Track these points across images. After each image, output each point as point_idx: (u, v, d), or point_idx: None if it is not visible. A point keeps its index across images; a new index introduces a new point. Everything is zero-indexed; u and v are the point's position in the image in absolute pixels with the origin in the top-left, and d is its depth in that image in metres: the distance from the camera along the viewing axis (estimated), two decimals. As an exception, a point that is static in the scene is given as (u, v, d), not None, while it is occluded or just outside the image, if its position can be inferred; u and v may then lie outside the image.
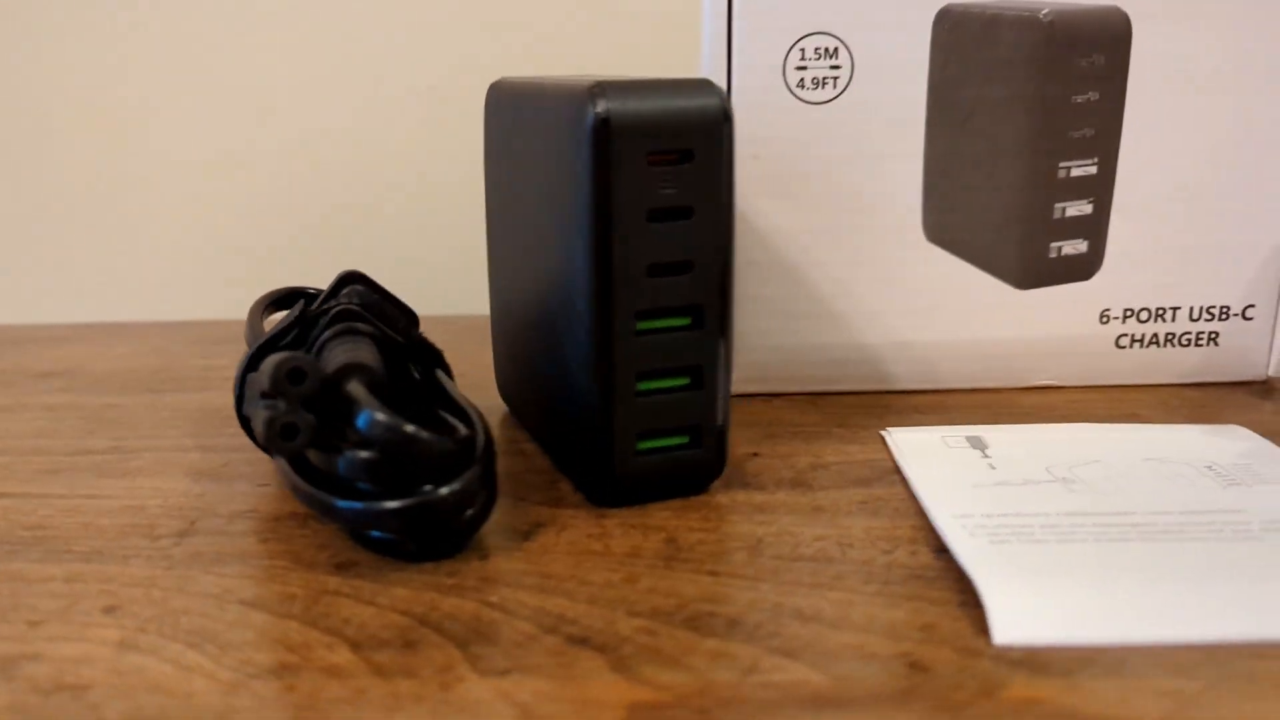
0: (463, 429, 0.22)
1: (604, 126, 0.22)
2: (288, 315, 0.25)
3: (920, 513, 0.23)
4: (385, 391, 0.22)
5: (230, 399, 0.31)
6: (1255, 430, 0.27)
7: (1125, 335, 0.31)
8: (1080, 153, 0.29)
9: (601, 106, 0.22)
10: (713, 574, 0.21)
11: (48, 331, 0.41)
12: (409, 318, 0.27)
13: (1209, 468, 0.25)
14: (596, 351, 0.23)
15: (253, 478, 0.26)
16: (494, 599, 0.20)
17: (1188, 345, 0.31)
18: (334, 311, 0.25)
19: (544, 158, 0.24)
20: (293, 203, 0.46)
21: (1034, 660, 0.18)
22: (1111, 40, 0.28)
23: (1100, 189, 0.29)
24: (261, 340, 0.25)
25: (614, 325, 0.23)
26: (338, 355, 0.23)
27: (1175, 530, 0.21)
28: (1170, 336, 0.31)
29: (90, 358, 0.37)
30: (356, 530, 0.22)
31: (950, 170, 0.29)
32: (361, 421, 0.21)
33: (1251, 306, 0.30)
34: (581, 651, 0.18)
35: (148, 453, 0.28)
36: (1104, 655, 0.18)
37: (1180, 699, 0.17)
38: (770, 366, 0.31)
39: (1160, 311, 0.30)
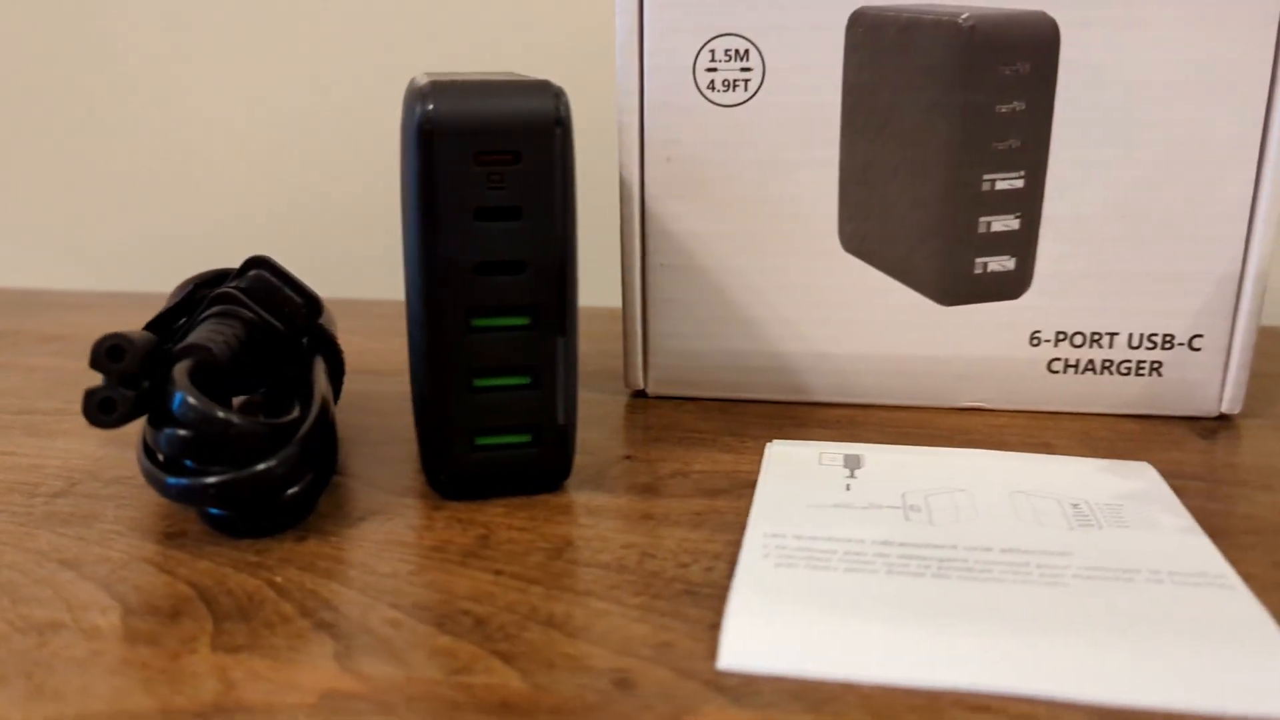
0: (295, 413, 0.23)
1: (428, 126, 0.22)
2: (178, 292, 0.27)
3: (745, 528, 0.23)
4: (221, 374, 0.23)
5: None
6: (1176, 470, 0.25)
7: (1058, 360, 0.29)
8: (1005, 165, 0.27)
9: (429, 106, 0.22)
10: (497, 574, 0.21)
11: (78, 299, 0.45)
12: (310, 305, 0.28)
13: (1074, 506, 0.23)
14: (429, 347, 0.23)
15: (154, 447, 0.28)
16: (279, 579, 0.21)
17: (1128, 374, 0.29)
18: (215, 295, 0.26)
19: (402, 157, 0.25)
20: (311, 184, 0.48)
21: (745, 688, 0.17)
22: (1038, 47, 0.27)
23: (1028, 204, 0.28)
24: (152, 318, 0.26)
25: (444, 321, 0.23)
26: (191, 336, 0.24)
27: (979, 569, 0.20)
28: (1108, 364, 0.29)
29: (98, 326, 0.40)
30: (187, 504, 0.23)
31: (867, 179, 0.28)
32: (174, 403, 0.22)
33: (1199, 336, 0.28)
34: (319, 637, 0.19)
35: (56, 417, 0.30)
36: (815, 690, 0.17)
37: (864, 744, 0.16)
38: (684, 371, 0.31)
39: (1096, 337, 0.28)
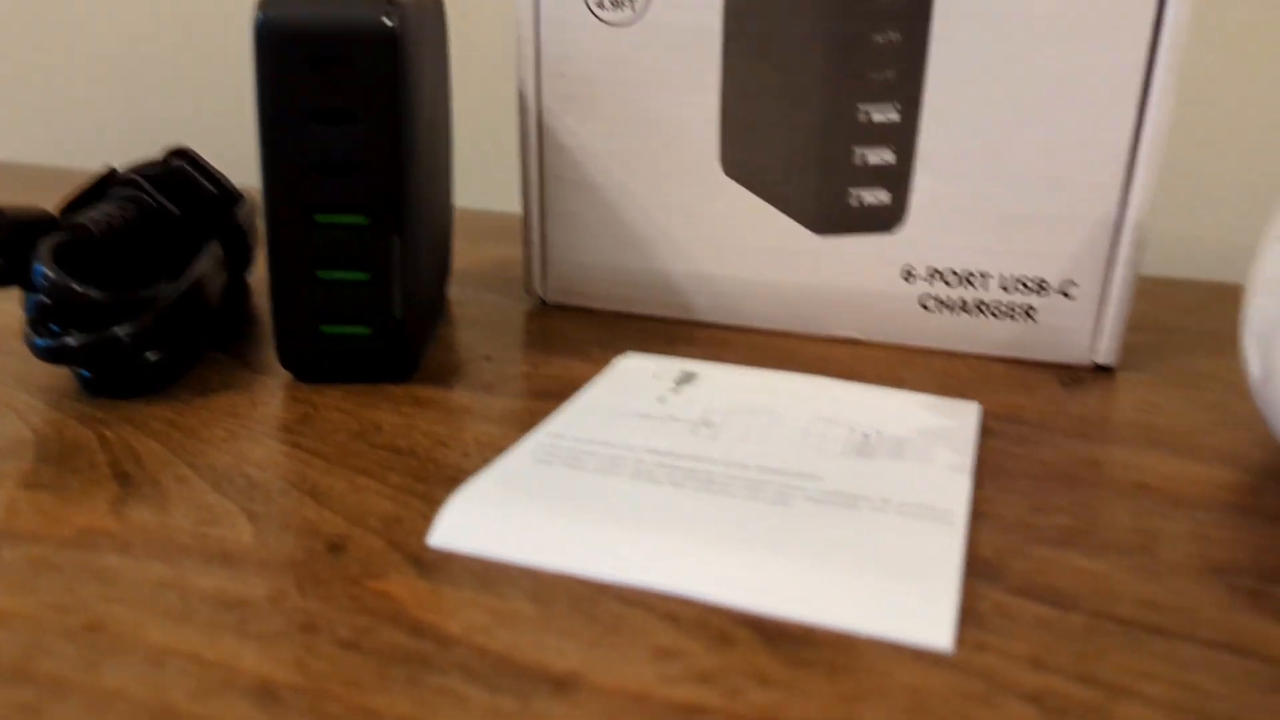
0: (159, 289, 0.25)
1: (263, 30, 0.23)
2: (96, 175, 0.29)
3: (545, 429, 0.24)
4: (97, 251, 0.26)
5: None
6: (1009, 413, 0.25)
7: (931, 297, 0.29)
8: (880, 96, 0.27)
9: (268, 13, 0.24)
10: (294, 445, 0.23)
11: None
12: (224, 197, 0.31)
13: (864, 436, 0.23)
14: (276, 240, 0.25)
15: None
16: (109, 434, 0.23)
17: (1000, 317, 0.28)
18: (121, 178, 0.29)
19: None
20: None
21: (438, 563, 0.19)
22: (914, -20, 0.26)
23: (902, 137, 0.28)
24: (68, 199, 0.29)
25: (288, 216, 0.25)
26: (78, 216, 0.27)
27: (719, 482, 0.21)
28: (981, 305, 0.28)
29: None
30: (51, 362, 0.26)
31: (746, 106, 0.28)
32: (34, 273, 0.24)
33: (1073, 284, 0.27)
34: (109, 485, 0.21)
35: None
36: (494, 570, 0.19)
37: (503, 618, 0.17)
38: (580, 282, 0.32)
39: (969, 276, 0.28)
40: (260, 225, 0.40)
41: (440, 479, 0.22)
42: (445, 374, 0.27)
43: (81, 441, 0.23)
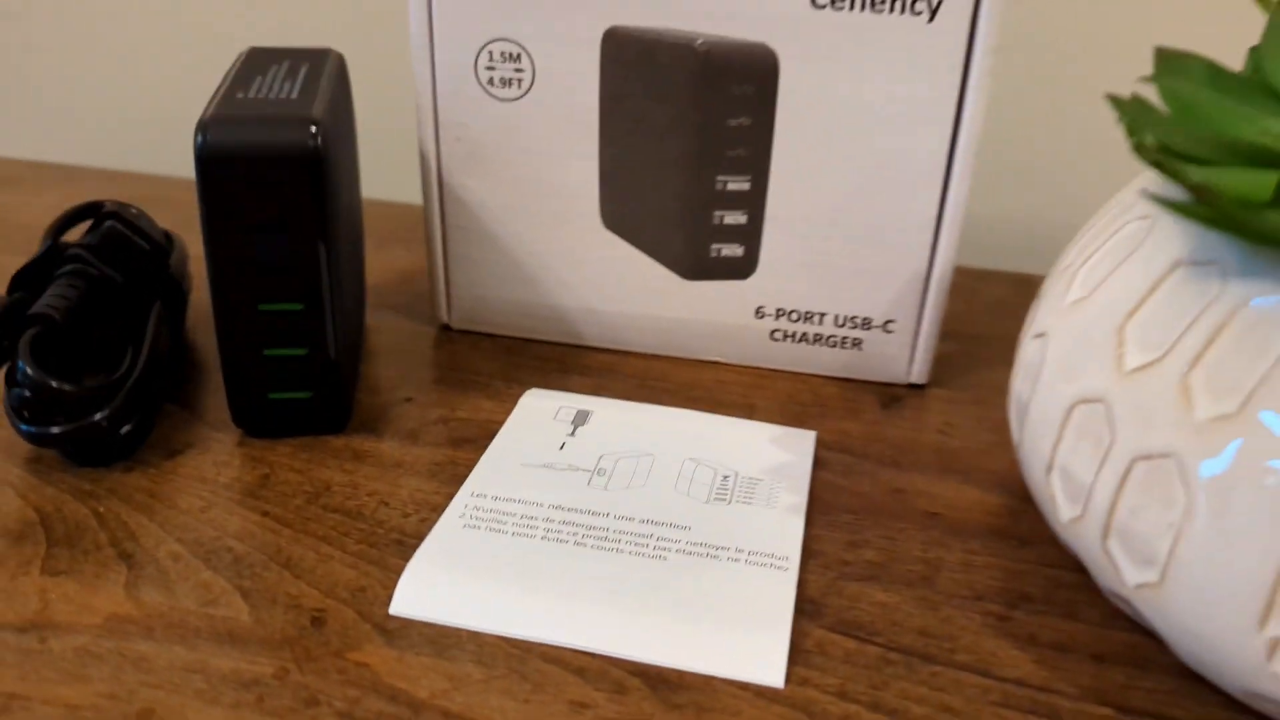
0: (125, 366, 0.29)
1: (203, 153, 0.27)
2: (46, 236, 0.33)
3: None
4: (63, 334, 0.30)
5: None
6: (838, 440, 0.32)
7: (779, 330, 0.35)
8: (735, 168, 0.32)
9: (204, 136, 0.27)
10: (264, 514, 0.28)
11: (6, 169, 0.50)
12: (156, 252, 0.34)
13: (725, 478, 0.30)
14: (225, 325, 0.29)
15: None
16: (102, 509, 0.28)
17: (834, 346, 0.35)
18: (67, 253, 0.32)
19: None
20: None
21: (400, 630, 0.24)
22: (760, 72, 0.31)
23: (753, 203, 0.33)
24: (16, 270, 0.32)
25: (231, 304, 0.29)
26: (40, 301, 0.30)
27: (611, 539, 0.27)
28: (818, 337, 0.34)
29: (19, 208, 0.46)
30: (36, 445, 0.30)
31: (622, 172, 0.33)
32: (17, 371, 0.28)
33: (892, 322, 0.34)
34: (117, 566, 0.26)
35: (-15, 323, 0.37)
36: (446, 636, 0.24)
37: (457, 681, 0.23)
38: (480, 313, 0.37)
39: (808, 315, 0.34)
40: (194, 271, 0.43)
41: (389, 543, 0.27)
42: (374, 420, 0.32)
43: (81, 520, 0.28)
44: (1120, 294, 0.24)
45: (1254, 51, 0.26)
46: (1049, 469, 0.25)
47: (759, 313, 0.35)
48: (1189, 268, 0.23)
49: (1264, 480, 0.20)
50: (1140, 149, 0.23)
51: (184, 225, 0.41)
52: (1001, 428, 0.33)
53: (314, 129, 0.28)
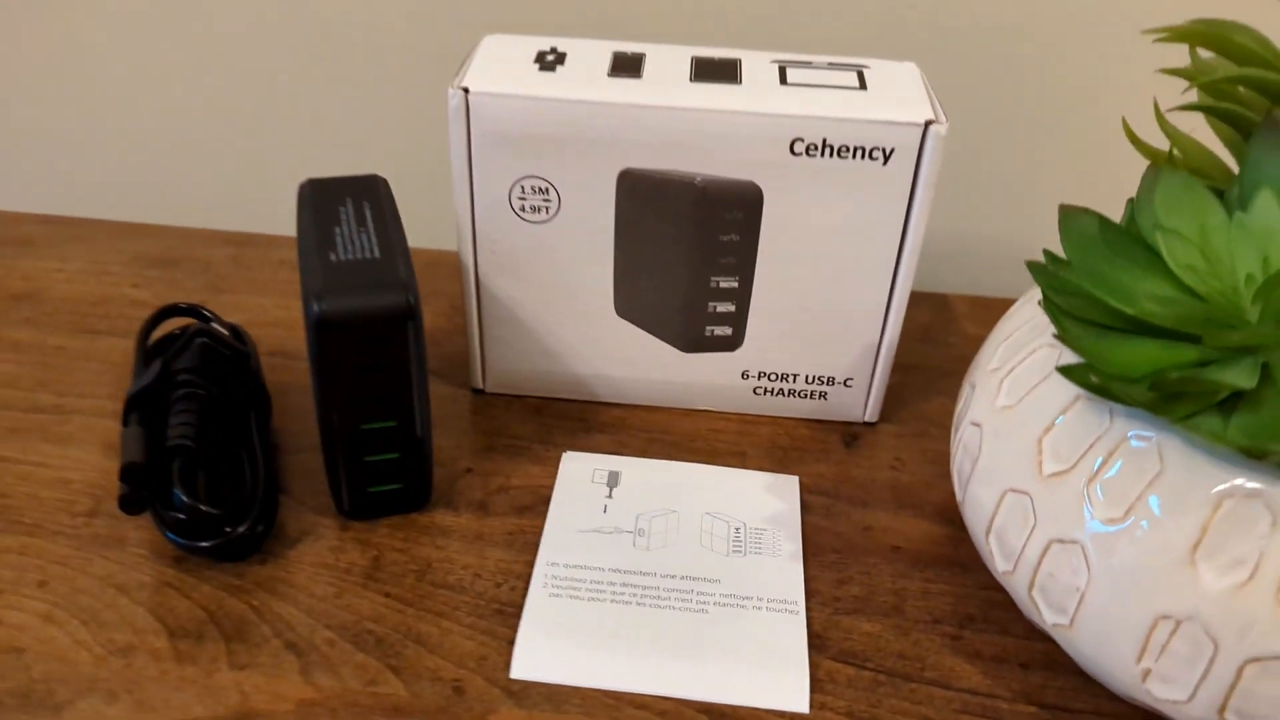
0: (249, 481, 0.36)
1: (318, 320, 0.33)
2: (150, 371, 0.38)
3: (538, 549, 0.37)
4: (197, 460, 0.36)
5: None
6: (814, 483, 0.41)
7: (760, 387, 0.43)
8: (726, 272, 0.40)
9: (319, 306, 0.33)
10: (385, 595, 0.36)
11: (16, 228, 0.54)
12: (240, 358, 0.40)
13: (737, 530, 0.38)
14: (333, 440, 0.36)
15: (142, 455, 0.40)
16: (255, 603, 0.35)
17: (805, 398, 0.43)
18: (180, 379, 0.38)
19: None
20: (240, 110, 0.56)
21: (523, 692, 0.33)
22: (748, 202, 0.38)
23: (741, 296, 0.40)
24: (132, 391, 0.38)
25: (338, 426, 0.36)
26: (173, 428, 0.36)
27: (663, 596, 0.36)
28: (792, 391, 0.43)
29: (51, 277, 0.50)
30: (188, 554, 0.37)
31: (633, 274, 0.40)
32: (174, 500, 0.35)
33: (851, 379, 0.42)
34: (289, 655, 0.34)
35: (78, 415, 0.42)
36: (557, 693, 0.33)
37: (578, 732, 0.32)
38: (511, 379, 0.44)
39: (784, 375, 0.42)
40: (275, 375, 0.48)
41: (491, 613, 0.35)
42: (448, 493, 0.40)
43: (242, 615, 0.35)
44: (1038, 412, 0.33)
45: (1130, 204, 0.34)
46: (988, 533, 0.34)
47: (744, 375, 0.43)
48: (1086, 400, 0.32)
49: (1140, 566, 0.29)
50: (1048, 309, 0.32)
51: (213, 290, 0.46)
52: (940, 459, 0.42)
53: (407, 293, 0.34)
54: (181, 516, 0.35)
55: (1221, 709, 0.29)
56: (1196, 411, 0.28)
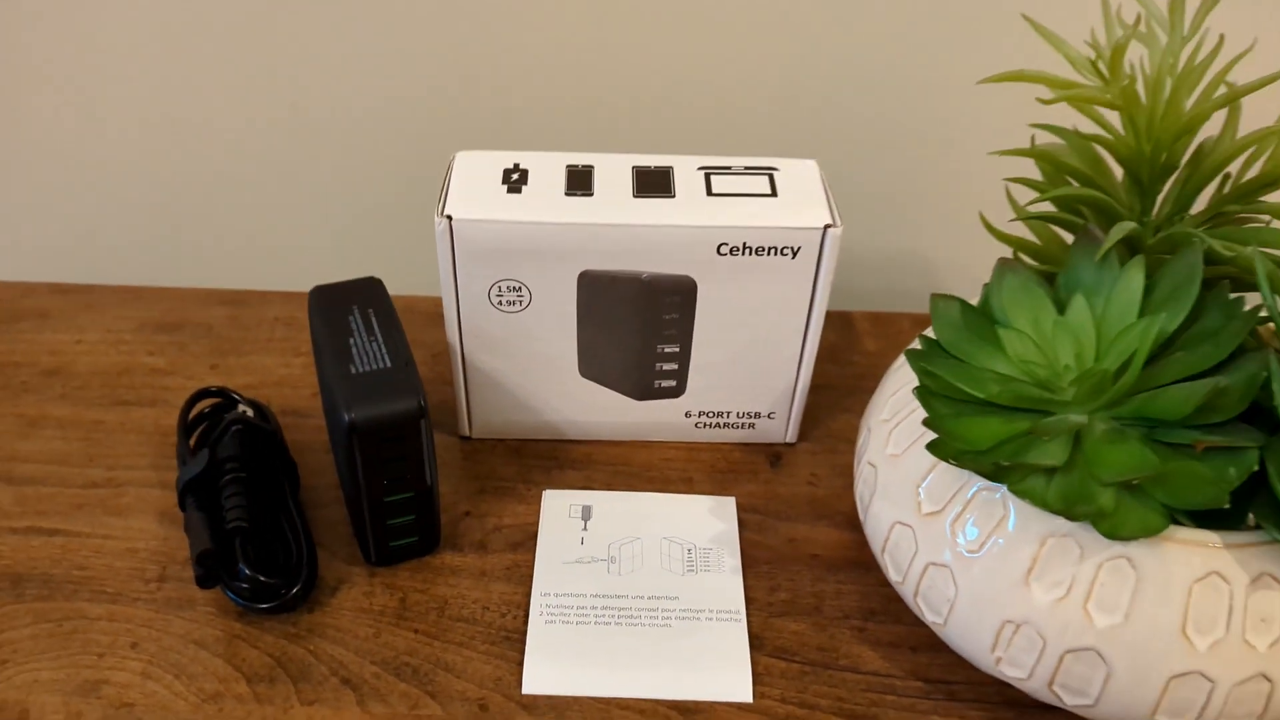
0: (294, 549, 0.45)
1: (350, 427, 0.41)
2: (199, 460, 0.46)
3: (532, 581, 0.47)
4: (250, 535, 0.44)
5: (176, 420, 0.53)
6: (747, 500, 0.50)
7: (700, 422, 0.52)
8: (669, 341, 0.49)
9: (350, 415, 0.41)
10: (415, 631, 0.45)
11: (33, 300, 0.60)
12: (267, 436, 0.48)
13: (689, 551, 0.48)
14: (360, 510, 0.45)
15: (192, 520, 0.48)
16: (311, 646, 0.44)
17: (737, 428, 0.52)
18: (226, 467, 0.46)
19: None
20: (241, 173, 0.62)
21: (533, 704, 0.42)
22: (685, 291, 0.47)
23: (681, 358, 0.49)
24: (185, 479, 0.46)
25: (370, 501, 0.44)
26: (228, 511, 0.44)
27: (634, 615, 0.45)
28: (726, 424, 0.52)
29: (74, 350, 0.57)
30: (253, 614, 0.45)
31: (593, 345, 0.49)
32: (239, 575, 0.43)
33: (773, 413, 0.52)
34: (346, 690, 0.43)
35: (130, 487, 0.50)
36: (560, 702, 0.42)
37: (579, 733, 0.42)
38: (494, 427, 0.52)
39: (720, 413, 0.52)
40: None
41: (500, 639, 0.45)
42: (452, 536, 0.48)
43: (302, 658, 0.44)
44: (916, 464, 0.42)
45: (986, 288, 0.43)
46: (883, 550, 0.44)
47: (687, 414, 0.52)
48: (953, 457, 0.41)
49: (991, 585, 0.40)
50: (920, 395, 0.41)
51: (219, 353, 0.54)
52: (847, 472, 0.52)
53: (418, 397, 0.42)
54: (245, 586, 0.43)
55: (1050, 683, 0.40)
56: (1026, 477, 0.38)
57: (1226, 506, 0.35)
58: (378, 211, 0.62)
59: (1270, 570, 0.37)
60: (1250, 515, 0.38)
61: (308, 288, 0.48)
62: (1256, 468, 0.35)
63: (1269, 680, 0.37)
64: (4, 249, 0.66)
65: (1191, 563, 0.37)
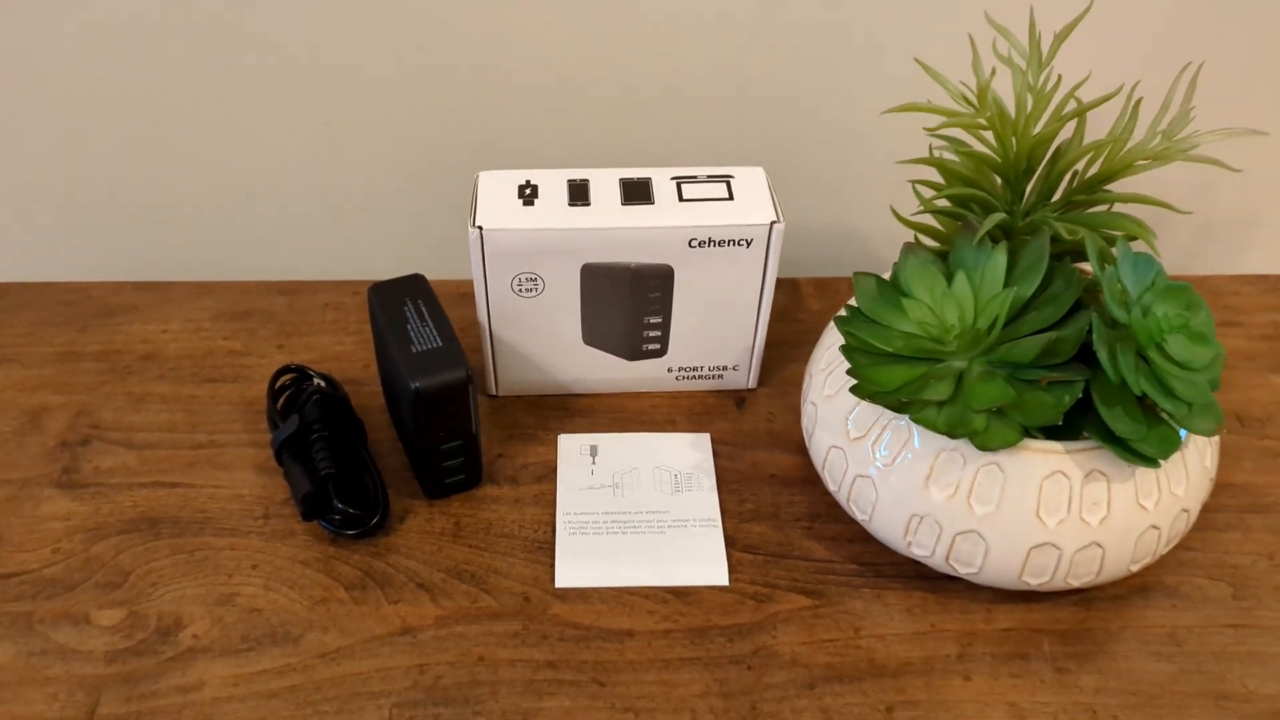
0: (369, 487, 0.58)
1: (415, 394, 0.55)
2: (291, 423, 0.59)
3: (556, 506, 0.60)
4: (339, 478, 0.58)
5: (256, 391, 0.65)
6: (720, 435, 0.64)
7: (680, 375, 0.66)
8: (653, 314, 0.62)
9: (414, 384, 0.54)
10: (469, 546, 0.58)
11: (120, 297, 0.72)
12: (339, 401, 0.61)
13: (674, 476, 0.61)
14: (419, 455, 0.58)
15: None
16: (390, 561, 0.57)
17: (709, 379, 0.66)
18: (314, 427, 0.59)
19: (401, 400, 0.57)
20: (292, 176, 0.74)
21: (563, 593, 0.56)
22: (665, 276, 0.60)
23: (664, 327, 0.63)
24: (281, 438, 0.59)
25: (427, 448, 0.57)
26: (319, 462, 0.57)
27: (635, 525, 0.59)
28: (700, 375, 0.66)
29: (161, 338, 0.69)
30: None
31: (594, 318, 0.62)
32: (333, 507, 0.56)
33: (737, 366, 0.65)
34: (421, 592, 0.56)
35: (229, 448, 0.63)
36: (582, 593, 0.56)
37: (599, 613, 0.55)
38: (516, 386, 0.66)
39: (695, 368, 0.65)
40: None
41: (535, 548, 0.58)
42: (491, 473, 0.62)
43: (385, 570, 0.57)
44: (845, 401, 0.56)
45: (895, 266, 0.57)
46: (823, 469, 0.58)
47: (669, 370, 0.65)
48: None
49: (902, 488, 0.54)
50: (845, 350, 0.55)
51: (284, 335, 0.67)
52: (795, 409, 0.66)
53: (467, 370, 0.55)
54: (337, 518, 0.57)
55: (947, 558, 0.54)
56: (923, 409, 0.52)
57: (1060, 424, 0.50)
58: (406, 211, 0.74)
59: (1098, 467, 0.51)
60: (1083, 429, 0.52)
61: (348, 277, 0.61)
62: (1081, 395, 0.50)
63: (1101, 547, 0.51)
64: (94, 252, 0.77)
65: (1042, 464, 0.51)
